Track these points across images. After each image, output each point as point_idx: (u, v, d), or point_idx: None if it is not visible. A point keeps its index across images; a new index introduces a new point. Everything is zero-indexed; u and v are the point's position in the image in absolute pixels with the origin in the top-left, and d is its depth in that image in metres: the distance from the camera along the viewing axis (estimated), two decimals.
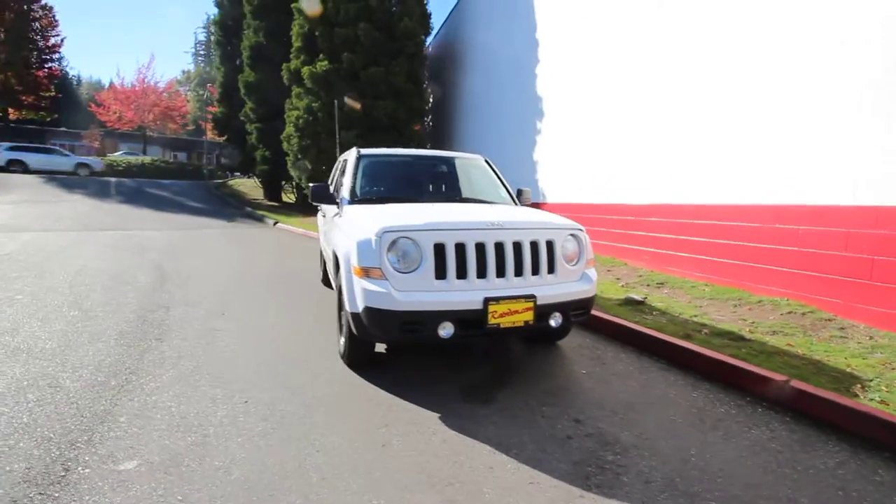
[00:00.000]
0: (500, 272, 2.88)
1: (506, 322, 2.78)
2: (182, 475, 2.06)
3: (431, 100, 15.38)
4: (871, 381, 2.99)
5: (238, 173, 26.22)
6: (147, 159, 30.45)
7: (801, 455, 2.31)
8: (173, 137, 45.55)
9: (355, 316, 2.88)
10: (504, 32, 10.85)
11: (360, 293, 2.79)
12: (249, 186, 24.44)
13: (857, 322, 3.96)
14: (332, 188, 5.57)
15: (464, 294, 2.77)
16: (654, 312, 4.65)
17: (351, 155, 4.28)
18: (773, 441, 2.44)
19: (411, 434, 2.45)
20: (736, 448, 2.37)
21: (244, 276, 6.63)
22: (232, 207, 18.40)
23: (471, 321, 2.75)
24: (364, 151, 4.27)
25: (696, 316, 4.48)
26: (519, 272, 2.92)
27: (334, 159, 13.80)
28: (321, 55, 13.13)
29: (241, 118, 17.58)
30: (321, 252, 6.12)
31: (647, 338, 3.76)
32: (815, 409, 2.67)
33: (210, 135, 44.28)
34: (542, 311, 2.88)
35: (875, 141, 3.94)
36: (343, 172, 4.84)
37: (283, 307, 4.97)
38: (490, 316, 2.73)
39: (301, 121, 13.27)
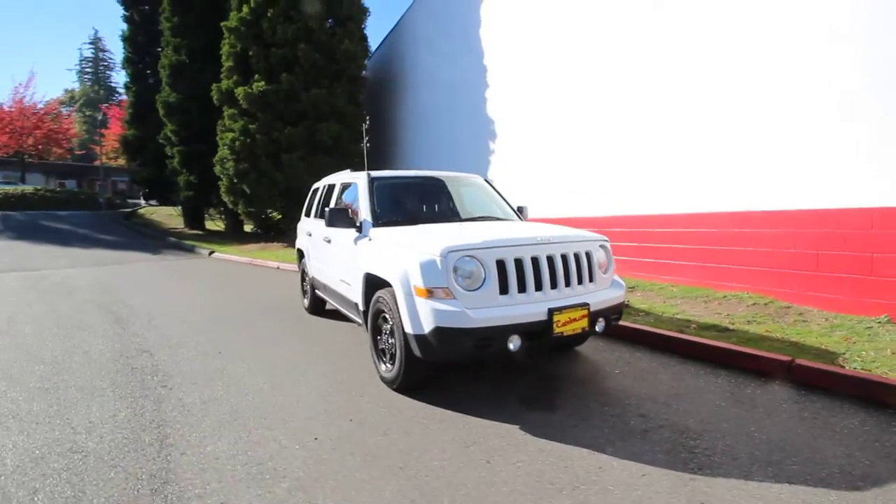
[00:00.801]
0: (553, 284, 3.06)
1: (567, 330, 2.95)
2: None
3: (368, 120, 15.37)
4: (844, 353, 3.58)
5: (153, 201, 23.93)
6: (29, 188, 26.69)
7: (831, 419, 2.73)
8: (59, 163, 40.41)
9: (420, 337, 2.87)
10: (450, 57, 11.28)
11: (428, 313, 2.81)
12: (164, 215, 22.42)
13: (811, 307, 4.69)
14: (313, 213, 5.43)
15: (529, 307, 2.90)
16: (641, 313, 5.10)
17: (361, 179, 4.24)
18: (804, 411, 2.84)
19: (505, 448, 2.50)
20: (782, 421, 2.73)
21: (213, 311, 6.13)
22: (151, 238, 16.77)
23: (537, 332, 2.89)
24: (375, 174, 4.26)
25: (677, 314, 4.99)
26: (568, 283, 3.13)
27: (277, 183, 13.29)
28: (257, 75, 12.64)
29: (161, 140, 16.20)
30: (305, 280, 5.88)
31: (657, 336, 4.14)
32: (820, 381, 3.15)
33: (104, 159, 39.97)
34: (593, 318, 3.10)
35: (808, 156, 4.76)
36: (338, 196, 4.76)
37: (281, 341, 4.70)
38: (555, 325, 2.89)
39: (238, 143, 12.59)
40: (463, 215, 4.28)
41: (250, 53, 12.79)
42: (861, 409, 2.84)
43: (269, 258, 11.57)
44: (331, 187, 5.18)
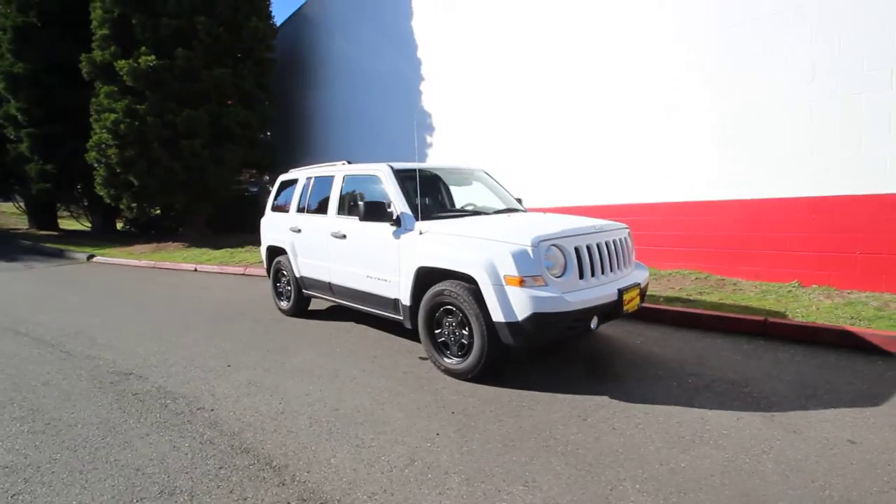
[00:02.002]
0: (611, 267, 3.42)
1: (630, 308, 3.33)
2: None
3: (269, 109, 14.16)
4: (785, 312, 4.59)
5: None
6: None
7: (814, 360, 3.53)
8: None
9: (513, 325, 2.99)
10: (378, 48, 11.02)
11: (524, 301, 2.93)
12: None
13: (740, 279, 5.82)
14: (295, 206, 5.10)
15: (604, 289, 3.20)
16: None
17: (383, 171, 4.08)
18: (796, 356, 3.62)
19: (616, 415, 2.77)
20: (788, 365, 3.44)
21: (164, 323, 5.34)
22: None
23: (609, 311, 3.21)
24: (397, 167, 4.14)
25: None
26: (619, 266, 3.51)
27: (173, 173, 11.60)
28: (143, 48, 10.87)
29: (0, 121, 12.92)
30: (281, 281, 5.44)
31: (650, 310, 4.78)
32: (791, 333, 4.02)
33: None
34: (642, 295, 3.53)
35: (723, 159, 5.87)
36: (342, 189, 4.53)
37: (288, 347, 4.35)
38: (624, 304, 3.24)
39: (123, 126, 10.72)
40: (486, 207, 4.40)
41: (133, 22, 10.94)
42: (822, 351, 3.71)
43: (177, 260, 10.18)
44: (323, 179, 4.87)
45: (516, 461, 2.33)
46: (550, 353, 3.84)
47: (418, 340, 4.21)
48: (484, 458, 2.37)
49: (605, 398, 3.00)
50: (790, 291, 5.20)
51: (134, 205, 11.89)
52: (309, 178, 5.12)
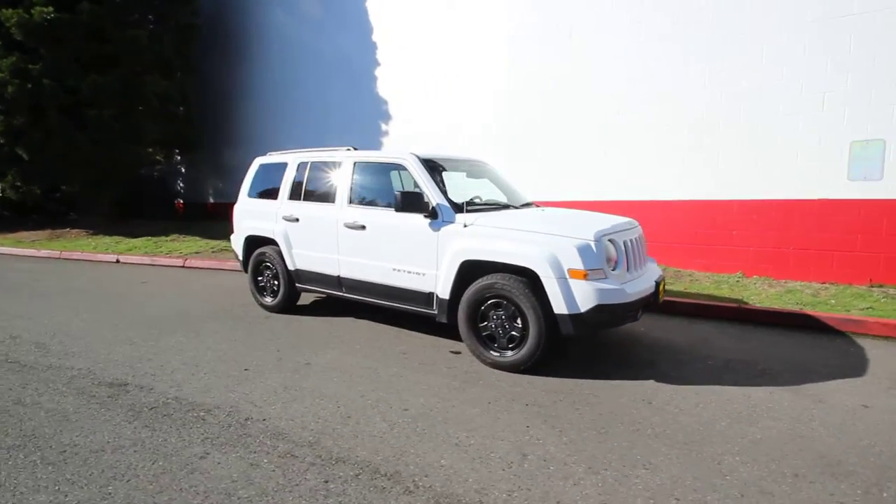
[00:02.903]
0: (641, 261, 3.68)
1: (661, 298, 3.62)
2: None
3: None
4: (742, 299, 5.29)
5: None
6: None
7: (790, 339, 4.14)
8: None
9: (575, 316, 3.09)
10: (326, 27, 10.38)
11: (588, 293, 3.05)
12: None
13: (694, 270, 6.56)
14: (286, 193, 4.76)
15: (647, 280, 3.44)
16: None
17: (409, 160, 3.91)
18: (778, 336, 4.20)
19: (672, 398, 2.99)
20: (776, 344, 3.98)
21: (125, 325, 4.64)
22: None
23: (649, 302, 3.46)
24: (422, 155, 4.00)
25: None
26: (644, 260, 3.79)
27: (75, 149, 9.84)
28: None
29: None
30: (264, 275, 4.99)
31: None
32: (762, 317, 4.65)
33: None
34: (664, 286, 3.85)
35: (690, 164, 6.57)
36: (355, 177, 4.27)
37: (300, 348, 4.03)
38: (659, 294, 3.51)
39: (10, 89, 8.86)
40: (506, 200, 4.40)
41: None
42: (791, 332, 4.37)
43: (88, 249, 8.76)
44: (325, 165, 4.54)
45: (619, 446, 2.45)
46: (571, 344, 4.02)
47: (434, 333, 4.18)
48: (588, 446, 2.44)
49: (653, 382, 3.24)
50: (738, 281, 6.00)
51: (19, 184, 9.92)
52: (304, 163, 4.72)
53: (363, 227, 4.09)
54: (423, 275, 3.75)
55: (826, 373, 3.40)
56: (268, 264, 4.92)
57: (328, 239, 4.35)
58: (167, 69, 10.77)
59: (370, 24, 9.76)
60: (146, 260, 8.01)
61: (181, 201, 13.53)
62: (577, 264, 3.09)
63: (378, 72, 9.78)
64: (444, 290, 3.63)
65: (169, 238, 9.63)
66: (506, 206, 4.11)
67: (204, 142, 12.35)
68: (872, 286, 5.30)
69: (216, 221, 11.05)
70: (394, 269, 3.92)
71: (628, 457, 2.35)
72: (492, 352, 3.46)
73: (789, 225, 5.94)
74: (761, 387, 3.17)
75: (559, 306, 3.12)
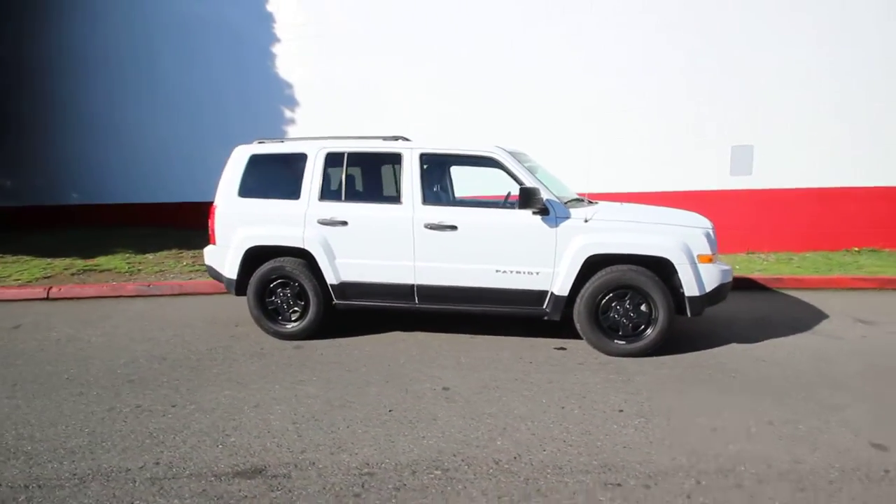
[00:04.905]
0: None
1: None
2: None
3: None
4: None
5: None
6: None
7: (783, 298, 5.36)
8: None
9: (699, 297, 3.47)
10: None
11: (714, 274, 3.49)
12: None
13: None
14: (315, 192, 4.01)
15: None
16: None
17: (500, 153, 3.64)
18: (778, 300, 5.38)
19: (757, 351, 3.63)
20: (783, 304, 5.11)
21: (123, 374, 3.19)
22: None
23: None
24: (509, 149, 3.78)
25: None
26: None
27: None
28: None
29: None
30: (280, 292, 3.98)
31: None
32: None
33: None
34: None
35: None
36: (417, 172, 3.80)
37: (400, 376, 3.43)
38: None
39: None
40: (569, 194, 4.41)
41: None
42: (758, 294, 5.65)
43: None
44: (373, 157, 3.93)
45: (775, 401, 2.88)
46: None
47: (511, 334, 4.09)
48: (765, 402, 2.83)
49: (734, 344, 3.85)
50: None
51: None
52: (335, 155, 3.90)
53: (453, 228, 3.66)
54: (537, 273, 3.60)
55: (817, 318, 4.55)
56: (292, 280, 3.92)
57: (398, 244, 3.74)
58: None
59: None
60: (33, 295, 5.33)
61: None
62: (706, 250, 3.47)
63: (278, 48, 8.44)
64: (562, 288, 3.57)
65: None
66: (579, 200, 4.21)
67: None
68: (751, 253, 7.18)
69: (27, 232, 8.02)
70: (497, 271, 3.64)
71: (794, 409, 2.83)
72: (617, 341, 3.58)
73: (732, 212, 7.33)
74: (796, 335, 4.07)
75: (690, 289, 3.45)
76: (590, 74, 7.49)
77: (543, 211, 3.57)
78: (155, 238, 7.93)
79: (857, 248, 6.87)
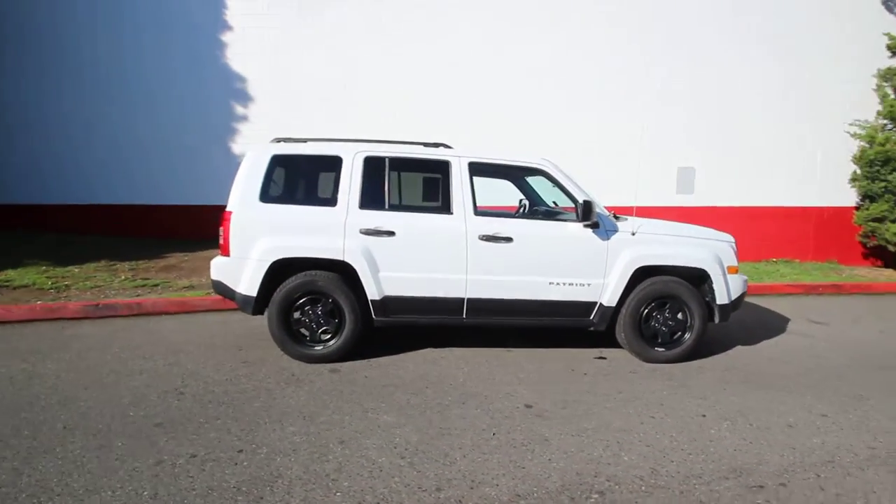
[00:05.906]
0: None
1: None
2: None
3: None
4: None
5: None
6: None
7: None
8: None
9: (727, 305, 3.79)
10: None
11: (739, 284, 3.87)
12: None
13: None
14: (355, 200, 3.73)
15: None
16: None
17: (546, 164, 3.66)
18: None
19: (774, 349, 4.10)
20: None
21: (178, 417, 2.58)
22: None
23: None
24: (553, 161, 3.80)
25: None
26: None
27: None
28: None
29: None
30: (311, 310, 3.56)
31: None
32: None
33: None
34: None
35: None
36: (464, 181, 3.69)
37: (486, 401, 3.25)
38: None
39: None
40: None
41: None
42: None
43: None
44: (416, 163, 3.71)
45: (814, 396, 3.29)
46: None
47: (548, 346, 4.14)
48: (808, 401, 3.21)
49: (739, 347, 4.28)
50: None
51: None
52: (375, 159, 3.61)
53: (509, 240, 3.57)
54: (588, 285, 3.66)
55: (772, 320, 5.25)
56: (326, 295, 3.51)
57: (450, 256, 3.55)
58: None
59: None
60: None
61: None
62: (733, 261, 3.82)
63: (228, 37, 7.62)
64: (611, 299, 3.67)
65: None
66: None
67: None
68: None
69: None
70: (550, 283, 3.64)
71: (835, 401, 3.26)
72: (657, 348, 3.77)
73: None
74: (803, 337, 4.67)
75: (721, 297, 3.77)
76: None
77: (595, 224, 3.66)
78: (73, 246, 6.63)
79: (774, 259, 8.09)
